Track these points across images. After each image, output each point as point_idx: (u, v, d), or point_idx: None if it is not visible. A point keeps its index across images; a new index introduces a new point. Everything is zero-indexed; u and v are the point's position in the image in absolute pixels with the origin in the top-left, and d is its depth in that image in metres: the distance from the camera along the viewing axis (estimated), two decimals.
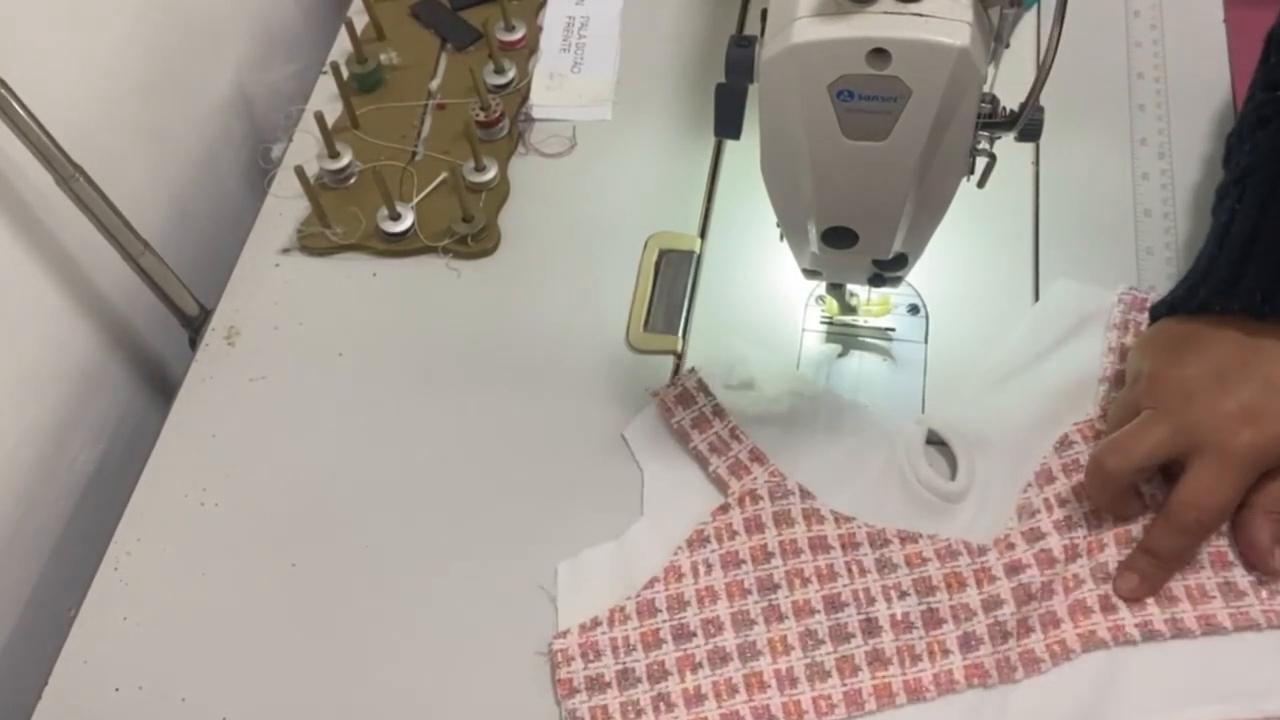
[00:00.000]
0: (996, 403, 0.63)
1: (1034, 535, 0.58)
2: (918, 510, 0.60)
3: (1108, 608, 0.55)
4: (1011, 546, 0.58)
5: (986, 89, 0.46)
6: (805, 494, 0.60)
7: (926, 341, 0.67)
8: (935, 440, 0.62)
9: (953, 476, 0.61)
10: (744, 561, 0.58)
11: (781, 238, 0.58)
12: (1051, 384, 0.63)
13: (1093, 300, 0.65)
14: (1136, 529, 0.57)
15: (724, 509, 0.60)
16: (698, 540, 0.59)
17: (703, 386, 0.64)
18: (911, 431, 0.62)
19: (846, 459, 0.62)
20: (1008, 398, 0.63)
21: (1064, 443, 0.61)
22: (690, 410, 0.63)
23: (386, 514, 0.64)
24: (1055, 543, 0.57)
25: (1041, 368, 0.64)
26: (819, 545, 0.59)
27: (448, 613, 0.60)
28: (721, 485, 0.61)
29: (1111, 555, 0.56)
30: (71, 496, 0.74)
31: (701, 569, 0.59)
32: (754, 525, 0.59)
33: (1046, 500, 0.59)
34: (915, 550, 0.58)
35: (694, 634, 0.57)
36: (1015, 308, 0.68)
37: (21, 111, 0.61)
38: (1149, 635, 0.54)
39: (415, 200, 0.75)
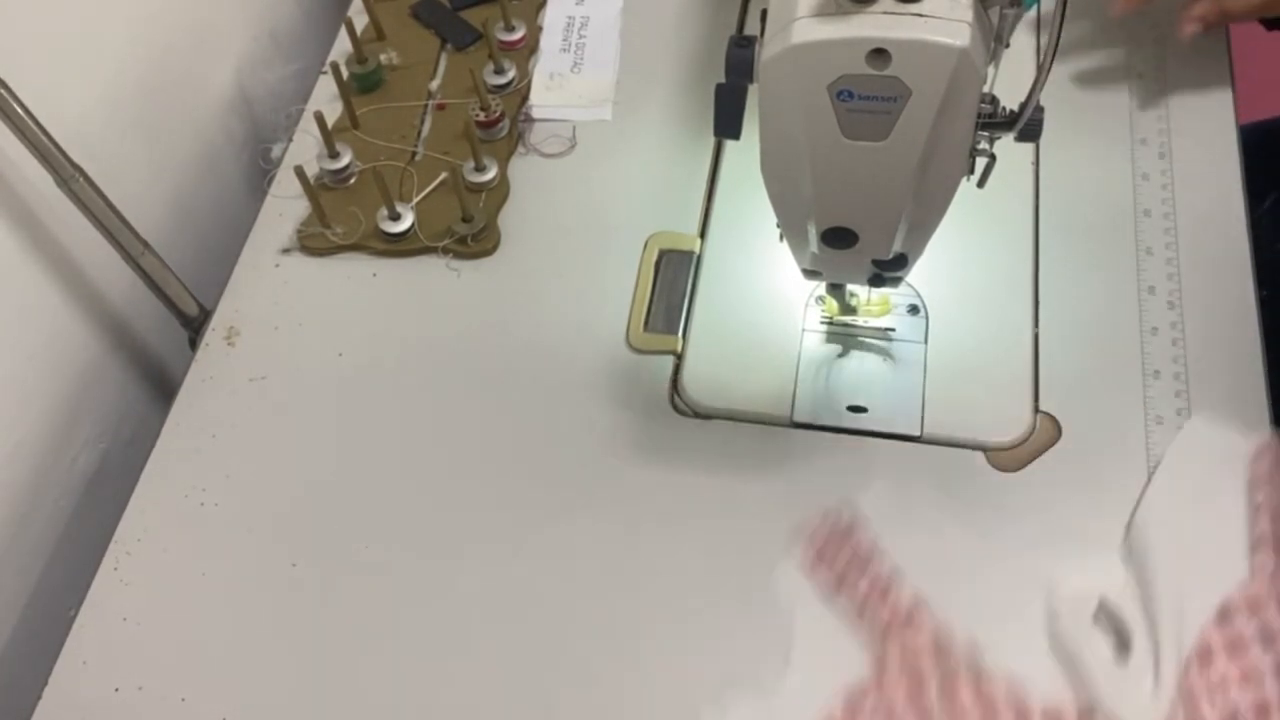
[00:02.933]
0: (1150, 564, 0.57)
1: None
2: (1093, 692, 0.54)
3: None
4: None
5: (986, 89, 0.46)
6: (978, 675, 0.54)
7: (926, 341, 0.67)
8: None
9: (1116, 643, 0.56)
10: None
11: (781, 238, 0.58)
12: (1197, 542, 0.57)
13: (1227, 445, 0.60)
14: None
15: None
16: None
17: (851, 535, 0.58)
18: (1077, 602, 0.56)
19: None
20: (1158, 558, 0.57)
21: (1224, 614, 0.55)
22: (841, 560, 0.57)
23: (386, 514, 0.64)
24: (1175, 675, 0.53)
25: (1183, 524, 0.58)
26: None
27: (447, 612, 0.60)
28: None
29: None
30: (72, 496, 0.74)
31: None
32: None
33: (1210, 684, 0.54)
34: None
35: None
36: (1015, 308, 0.68)
37: (21, 111, 0.61)
38: None
39: (415, 200, 0.75)
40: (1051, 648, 0.56)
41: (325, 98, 0.82)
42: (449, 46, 0.85)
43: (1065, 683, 0.55)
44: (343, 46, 0.84)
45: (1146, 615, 0.56)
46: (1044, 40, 0.78)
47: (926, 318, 0.68)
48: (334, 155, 0.76)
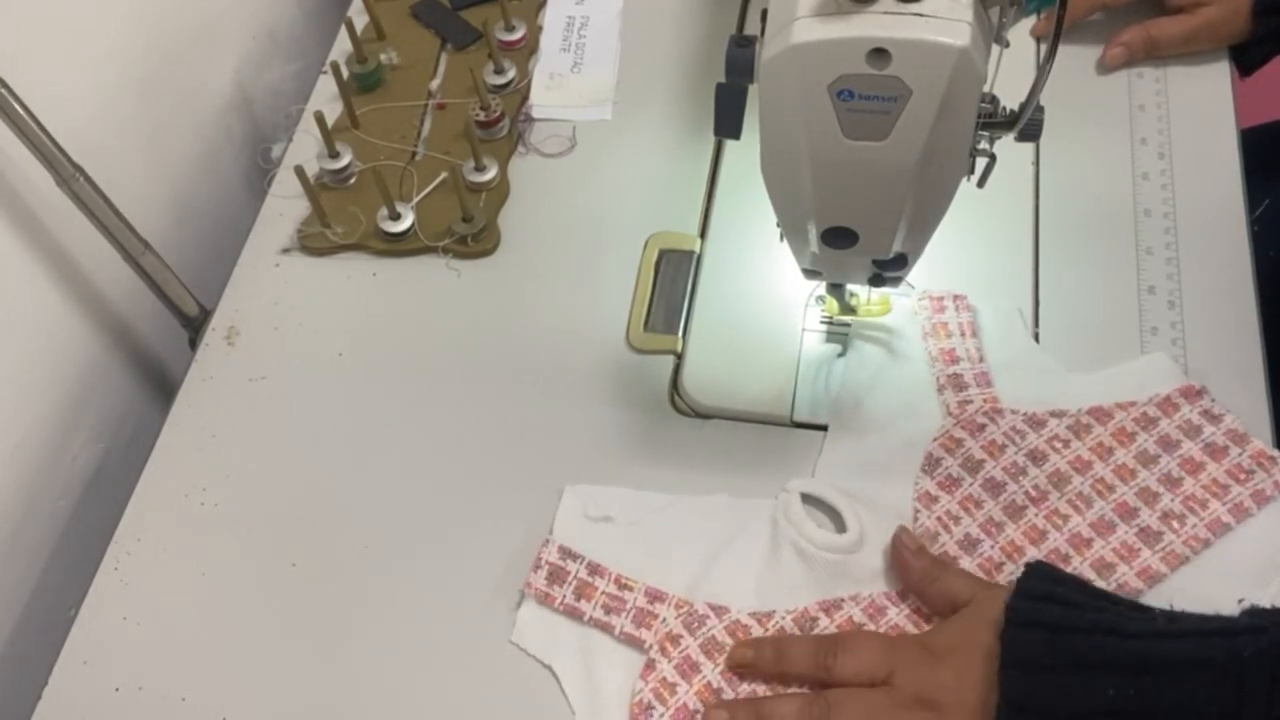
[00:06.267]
0: (851, 450, 0.63)
1: (946, 561, 0.58)
2: (826, 576, 0.58)
3: None
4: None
5: (986, 89, 0.46)
6: (719, 609, 0.57)
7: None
8: (811, 502, 0.61)
9: (841, 530, 0.60)
10: (696, 712, 0.55)
11: (781, 238, 0.58)
12: (887, 407, 0.64)
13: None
14: (1040, 520, 0.58)
15: (650, 666, 0.56)
16: (640, 711, 0.55)
17: (567, 553, 0.60)
18: (787, 501, 0.60)
19: (736, 557, 0.59)
20: (861, 443, 0.63)
21: (930, 461, 0.61)
22: (568, 584, 0.59)
23: (386, 514, 0.64)
24: (967, 564, 0.58)
25: (872, 403, 0.64)
26: None
27: (447, 613, 0.60)
28: (635, 642, 0.57)
29: (1032, 554, 0.57)
30: (72, 496, 0.74)
31: None
32: (688, 667, 0.56)
33: (940, 520, 0.59)
34: (846, 617, 0.57)
35: None
36: (1015, 307, 0.68)
37: (21, 111, 0.61)
38: None
39: (415, 200, 0.75)
40: (774, 558, 0.59)
41: (325, 97, 0.82)
42: (449, 46, 0.85)
43: (805, 587, 0.58)
44: (343, 46, 0.84)
45: (860, 494, 0.61)
46: (1044, 40, 0.79)
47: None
48: (334, 155, 0.76)
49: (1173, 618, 0.50)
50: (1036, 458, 0.60)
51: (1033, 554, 0.57)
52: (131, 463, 0.69)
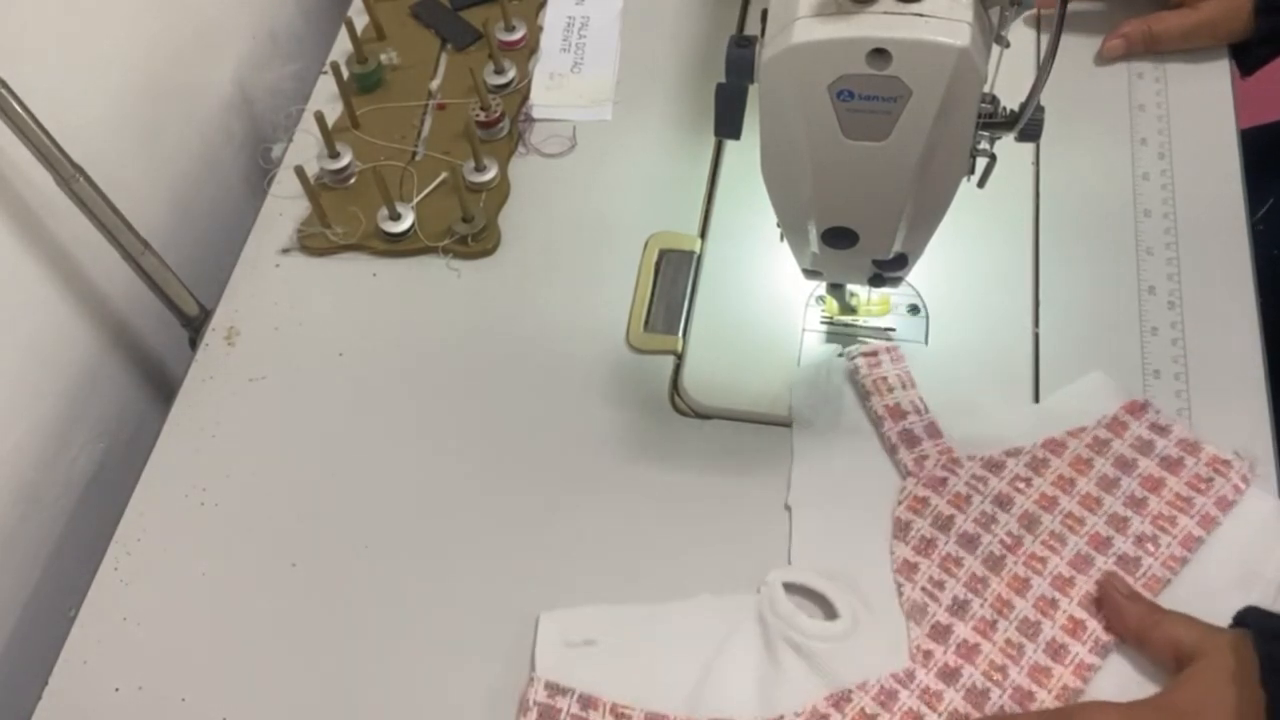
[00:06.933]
0: (819, 527, 0.61)
1: (940, 632, 0.57)
2: (829, 667, 0.56)
3: (1058, 656, 0.55)
4: (929, 655, 0.56)
5: (986, 89, 0.46)
6: None
7: (926, 342, 0.67)
8: (795, 591, 0.59)
9: (830, 615, 0.58)
10: None
11: (781, 238, 0.58)
12: (844, 477, 0.62)
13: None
14: (1020, 568, 0.57)
15: None
16: None
17: (555, 688, 0.56)
18: (771, 595, 0.58)
19: (731, 663, 0.57)
20: (828, 519, 0.61)
21: (900, 526, 0.60)
22: None
23: (386, 514, 0.64)
24: (963, 629, 0.56)
25: (829, 475, 0.62)
26: None
27: (447, 612, 0.60)
28: None
29: (1021, 605, 0.56)
30: (71, 496, 0.74)
31: None
32: None
33: (925, 590, 0.58)
34: (858, 710, 0.55)
35: None
36: (1015, 308, 0.68)
37: (21, 111, 0.61)
38: (1107, 649, 0.55)
39: (415, 200, 0.75)
40: (770, 657, 0.57)
41: (325, 98, 0.82)
42: (449, 46, 0.85)
43: (811, 683, 0.55)
44: (343, 46, 0.84)
45: (840, 574, 0.59)
46: (1044, 40, 0.79)
47: (926, 318, 0.68)
48: (334, 155, 0.76)
49: None
50: (1003, 503, 0.60)
51: (1020, 606, 0.56)
52: (131, 463, 0.69)
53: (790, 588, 0.59)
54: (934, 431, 0.62)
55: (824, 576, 0.59)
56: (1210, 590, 0.56)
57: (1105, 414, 0.62)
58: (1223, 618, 0.54)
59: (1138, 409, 0.62)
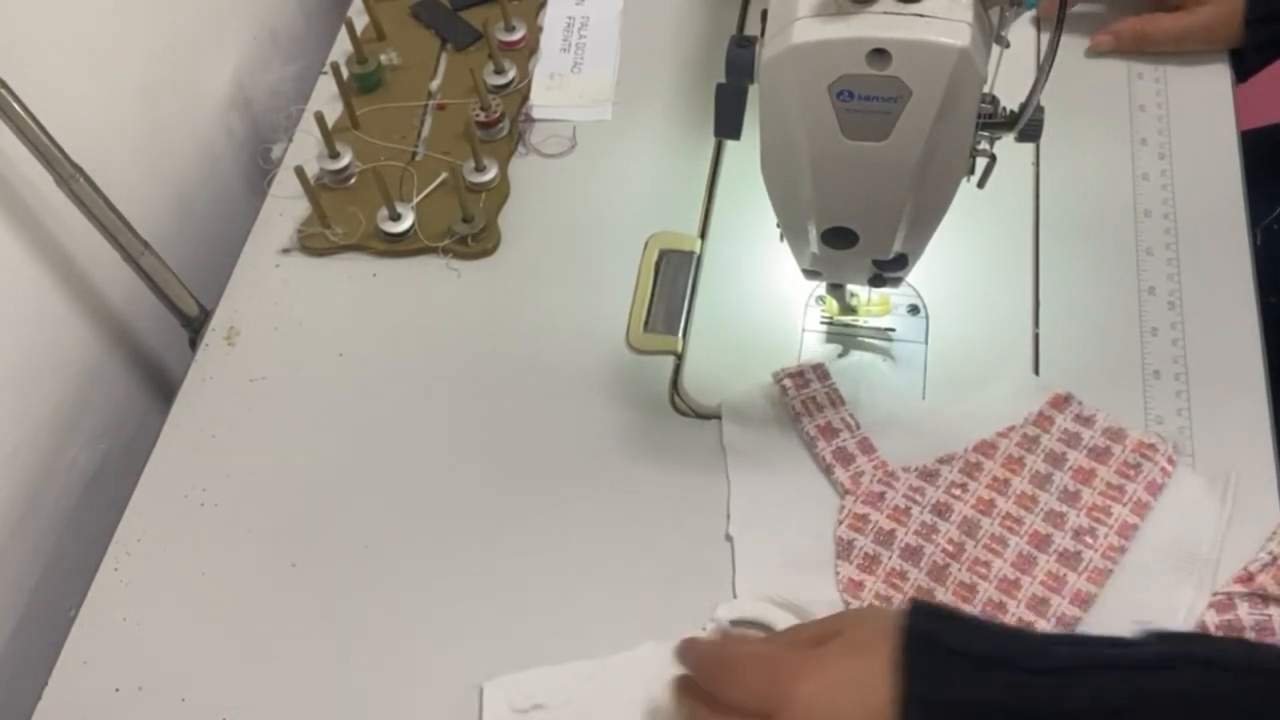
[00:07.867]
0: (762, 555, 0.60)
1: None
2: None
3: None
4: None
5: (986, 89, 0.46)
6: None
7: (926, 342, 0.67)
8: (745, 626, 0.58)
9: None
10: None
11: (781, 238, 0.58)
12: (782, 503, 0.61)
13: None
14: (965, 575, 0.58)
15: None
16: None
17: None
18: (720, 633, 0.57)
19: None
20: (770, 545, 0.61)
21: (844, 545, 0.59)
22: None
23: (386, 514, 0.64)
24: None
25: (768, 502, 0.62)
26: None
27: (447, 613, 0.60)
28: None
29: (971, 611, 0.56)
30: (72, 496, 0.74)
31: None
32: None
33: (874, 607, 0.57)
34: None
35: None
36: (1015, 308, 0.68)
37: (21, 111, 0.61)
38: None
39: (415, 200, 0.75)
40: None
41: (325, 98, 0.82)
42: (449, 46, 0.85)
43: None
44: (343, 46, 0.84)
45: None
46: (1044, 40, 0.79)
47: (926, 318, 0.68)
48: (334, 155, 0.76)
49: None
50: (942, 511, 0.60)
51: (971, 614, 0.56)
52: (131, 463, 0.69)
53: (739, 624, 0.58)
54: (868, 448, 0.62)
55: (774, 604, 0.58)
56: (1150, 576, 0.57)
57: (1032, 410, 0.63)
58: (1165, 603, 0.55)
59: (1061, 401, 0.63)
